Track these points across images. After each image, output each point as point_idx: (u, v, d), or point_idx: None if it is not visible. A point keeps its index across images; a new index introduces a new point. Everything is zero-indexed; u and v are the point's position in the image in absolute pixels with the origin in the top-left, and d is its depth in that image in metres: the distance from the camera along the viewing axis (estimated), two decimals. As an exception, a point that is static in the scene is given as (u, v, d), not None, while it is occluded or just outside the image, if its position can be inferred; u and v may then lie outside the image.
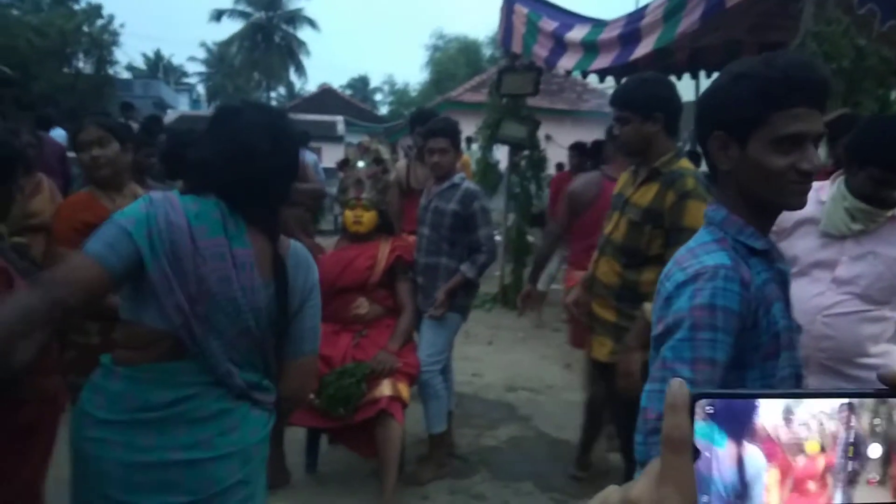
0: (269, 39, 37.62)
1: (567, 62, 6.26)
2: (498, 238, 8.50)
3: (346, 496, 3.35)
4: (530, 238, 8.00)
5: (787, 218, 2.25)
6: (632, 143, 2.65)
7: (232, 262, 1.54)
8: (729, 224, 1.34)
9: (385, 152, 3.52)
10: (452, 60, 35.17)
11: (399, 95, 42.85)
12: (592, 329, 2.85)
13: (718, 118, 1.30)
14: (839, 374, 2.23)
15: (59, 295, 1.40)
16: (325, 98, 30.64)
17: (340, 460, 3.58)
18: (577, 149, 6.52)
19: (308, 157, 10.42)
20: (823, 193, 2.27)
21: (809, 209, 2.26)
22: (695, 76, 7.63)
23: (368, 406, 3.14)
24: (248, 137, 1.59)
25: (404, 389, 3.23)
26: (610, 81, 7.98)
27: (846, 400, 0.47)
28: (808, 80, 1.27)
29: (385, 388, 3.16)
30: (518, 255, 7.50)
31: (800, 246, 2.27)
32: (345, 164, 3.68)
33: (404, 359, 3.33)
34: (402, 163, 4.48)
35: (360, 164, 3.47)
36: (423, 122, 4.10)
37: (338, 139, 22.22)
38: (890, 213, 2.18)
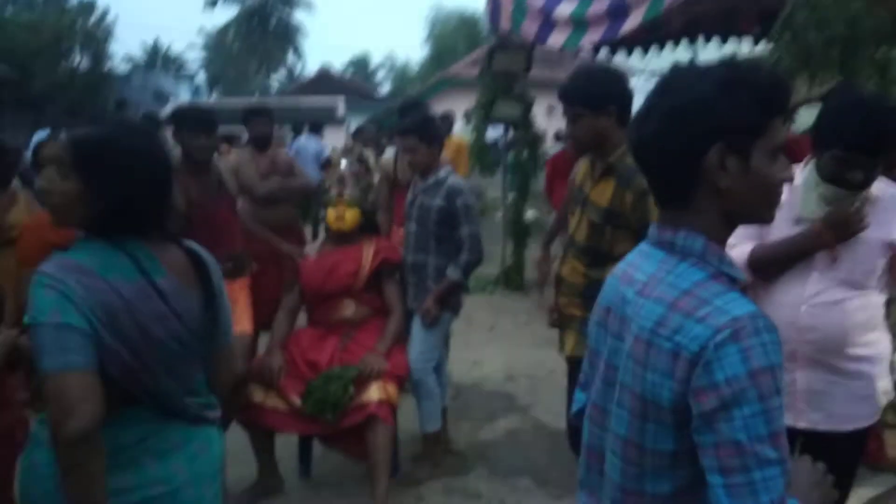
0: (265, 24, 37.27)
1: (556, 39, 6.09)
2: (500, 214, 8.41)
3: (342, 500, 3.32)
4: (529, 215, 7.88)
5: None
6: (585, 139, 2.58)
7: (161, 298, 1.48)
8: (710, 255, 1.20)
9: (369, 154, 3.45)
10: (452, 35, 34.75)
11: (400, 73, 42.48)
12: (562, 326, 2.80)
13: (718, 129, 1.15)
14: (829, 366, 2.15)
15: (74, 428, 1.33)
16: (325, 80, 30.42)
17: (334, 464, 3.54)
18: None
19: (312, 146, 10.32)
20: (796, 178, 2.18)
21: (783, 195, 2.18)
22: (692, 42, 7.46)
23: (357, 411, 3.08)
24: (154, 149, 1.53)
25: (393, 392, 3.18)
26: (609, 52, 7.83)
27: None
28: (788, 86, 1.23)
29: (373, 393, 3.11)
30: (517, 235, 7.40)
31: (774, 234, 2.17)
32: (327, 164, 3.62)
33: (392, 360, 3.27)
34: (389, 155, 4.37)
35: (343, 163, 3.40)
36: (408, 114, 4.00)
37: (339, 121, 22.07)
38: (863, 195, 2.09)
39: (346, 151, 3.43)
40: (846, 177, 2.05)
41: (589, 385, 1.43)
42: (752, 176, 1.17)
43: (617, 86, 2.55)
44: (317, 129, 11.58)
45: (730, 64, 1.19)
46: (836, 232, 2.06)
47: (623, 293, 1.30)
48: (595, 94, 2.51)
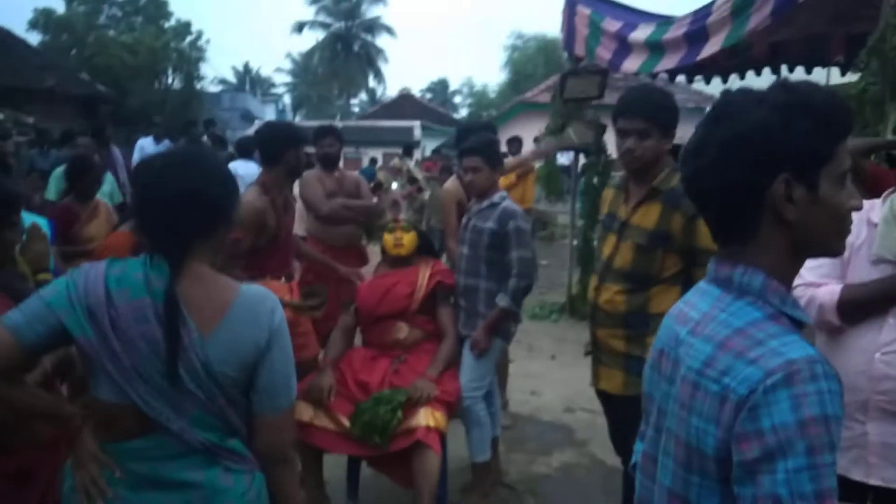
0: (349, 48, 38.45)
1: (631, 64, 5.98)
2: (568, 241, 8.25)
3: (387, 526, 3.27)
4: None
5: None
6: (648, 159, 2.45)
7: (157, 322, 1.44)
8: (771, 293, 1.10)
9: (417, 171, 3.42)
10: (531, 60, 34.85)
11: (478, 97, 42.81)
12: (598, 359, 2.69)
13: (782, 158, 1.06)
14: (905, 419, 1.96)
15: None
16: (404, 103, 31.01)
17: (382, 489, 3.49)
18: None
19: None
20: (875, 214, 2.01)
21: (861, 233, 2.02)
22: (776, 71, 7.18)
23: (404, 436, 3.03)
24: (140, 170, 1.57)
25: (441, 419, 3.11)
26: (683, 80, 7.62)
27: None
28: (850, 108, 1.13)
29: (421, 418, 3.05)
30: (585, 263, 7.23)
31: (855, 275, 2.01)
32: (378, 187, 3.61)
33: (443, 386, 3.21)
34: (454, 181, 4.31)
35: (395, 185, 3.39)
36: (467, 138, 3.95)
37: (415, 144, 22.44)
38: None
39: (395, 172, 3.42)
40: None
41: (644, 434, 1.33)
42: (820, 206, 1.08)
43: (677, 109, 2.49)
44: (408, 151, 12.68)
45: (787, 87, 1.09)
46: None
47: (677, 333, 1.21)
48: (667, 114, 2.44)
